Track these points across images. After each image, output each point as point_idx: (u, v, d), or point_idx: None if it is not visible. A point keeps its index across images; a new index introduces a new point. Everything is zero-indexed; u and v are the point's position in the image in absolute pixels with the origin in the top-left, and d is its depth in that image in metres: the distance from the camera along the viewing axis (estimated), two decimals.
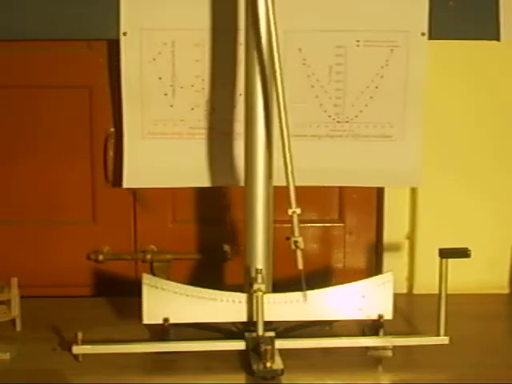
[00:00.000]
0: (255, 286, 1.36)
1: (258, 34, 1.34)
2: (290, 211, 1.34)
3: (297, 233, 1.34)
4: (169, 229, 1.71)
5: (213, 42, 1.57)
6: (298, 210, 1.34)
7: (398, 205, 1.70)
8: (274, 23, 1.31)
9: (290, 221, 1.34)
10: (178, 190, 1.66)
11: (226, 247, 1.70)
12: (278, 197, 1.43)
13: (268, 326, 1.37)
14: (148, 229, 1.71)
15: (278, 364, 1.32)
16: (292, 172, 1.33)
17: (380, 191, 1.70)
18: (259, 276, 1.37)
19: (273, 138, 1.39)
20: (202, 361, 1.37)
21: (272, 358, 1.31)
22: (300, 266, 1.35)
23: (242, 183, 1.44)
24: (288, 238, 1.35)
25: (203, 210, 1.70)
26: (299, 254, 1.35)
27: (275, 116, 1.37)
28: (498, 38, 1.60)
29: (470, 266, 1.46)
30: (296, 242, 1.34)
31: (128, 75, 1.58)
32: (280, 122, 1.33)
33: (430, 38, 1.57)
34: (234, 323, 1.44)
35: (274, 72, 1.32)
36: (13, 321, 1.49)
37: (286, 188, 1.34)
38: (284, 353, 1.36)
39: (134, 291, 1.44)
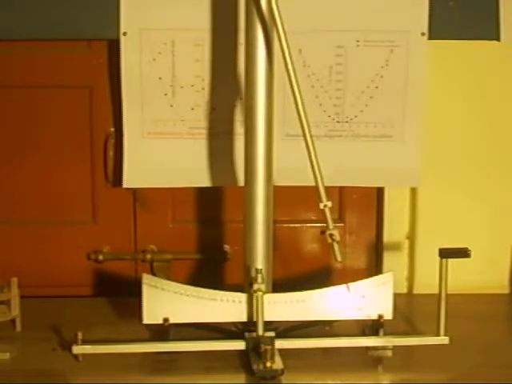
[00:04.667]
0: (255, 286, 1.36)
1: (258, 32, 1.34)
2: (321, 205, 1.33)
3: (331, 226, 1.33)
4: (169, 229, 1.71)
5: (213, 42, 1.57)
6: (330, 204, 1.33)
7: (398, 205, 1.69)
8: (281, 22, 1.30)
9: (323, 215, 1.33)
10: (177, 189, 1.66)
11: (226, 247, 1.70)
12: (278, 197, 1.43)
13: (268, 325, 1.37)
14: (148, 229, 1.71)
15: (278, 364, 1.32)
16: (319, 167, 1.32)
17: (380, 191, 1.70)
18: (259, 276, 1.37)
19: (273, 137, 1.39)
20: (202, 361, 1.37)
21: (272, 357, 1.31)
22: (339, 258, 1.34)
23: (242, 183, 1.44)
24: (323, 232, 1.34)
25: (203, 210, 1.70)
26: (336, 246, 1.34)
27: (275, 115, 1.38)
28: (498, 38, 1.60)
29: (470, 266, 1.46)
30: (331, 234, 1.33)
31: (128, 75, 1.58)
32: (300, 120, 1.31)
33: (430, 38, 1.57)
34: (234, 323, 1.44)
35: (288, 73, 1.31)
36: (13, 321, 1.49)
37: (315, 185, 1.33)
38: (284, 353, 1.36)
39: (134, 291, 1.44)
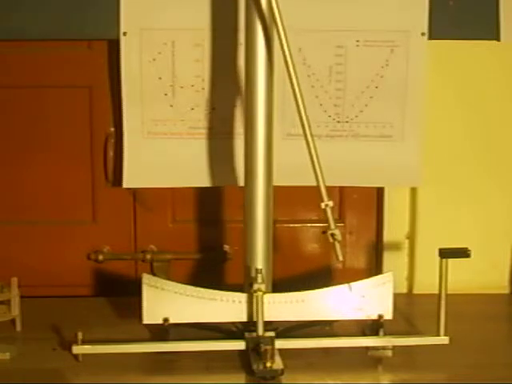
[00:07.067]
0: (255, 286, 1.36)
1: (258, 32, 1.34)
2: (322, 204, 1.33)
3: (332, 225, 1.33)
4: (169, 229, 1.71)
5: (213, 42, 1.57)
6: (331, 203, 1.33)
7: (398, 205, 1.70)
8: (280, 19, 1.30)
9: (324, 214, 1.32)
10: (177, 189, 1.66)
11: (226, 247, 1.70)
12: (278, 197, 1.43)
13: (268, 325, 1.37)
14: (148, 229, 1.71)
15: (278, 364, 1.32)
16: (320, 167, 1.32)
17: (380, 191, 1.70)
18: (259, 276, 1.37)
19: (273, 137, 1.39)
20: (201, 361, 1.37)
21: (272, 357, 1.31)
22: (340, 257, 1.33)
23: (242, 183, 1.44)
24: (324, 232, 1.35)
25: (203, 210, 1.70)
26: (338, 246, 1.34)
27: (275, 116, 1.38)
28: (498, 38, 1.60)
29: (470, 266, 1.46)
30: (333, 234, 1.33)
31: (128, 75, 1.58)
32: (301, 120, 1.31)
33: (430, 37, 1.57)
34: (234, 323, 1.44)
35: (289, 71, 1.31)
36: (13, 321, 1.49)
37: (316, 185, 1.33)
38: (284, 353, 1.36)
39: (134, 291, 1.44)
